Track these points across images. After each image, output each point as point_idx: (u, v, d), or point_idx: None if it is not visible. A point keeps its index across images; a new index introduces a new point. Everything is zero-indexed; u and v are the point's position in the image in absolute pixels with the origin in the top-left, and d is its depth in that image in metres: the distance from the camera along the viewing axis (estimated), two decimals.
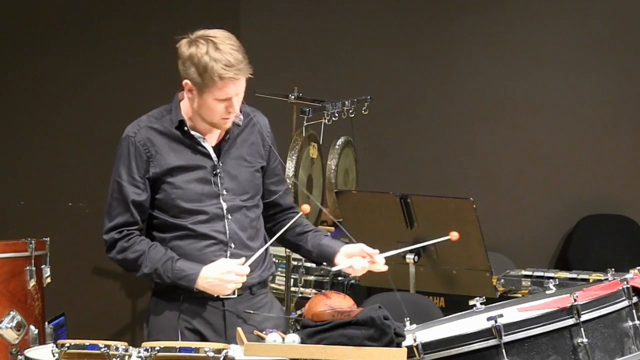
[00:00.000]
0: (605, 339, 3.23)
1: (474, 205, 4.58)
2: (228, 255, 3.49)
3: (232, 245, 3.50)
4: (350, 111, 5.60)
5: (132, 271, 3.53)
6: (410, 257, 4.70)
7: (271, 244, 3.57)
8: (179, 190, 3.49)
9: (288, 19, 6.45)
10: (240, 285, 3.44)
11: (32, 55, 6.15)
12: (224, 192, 3.51)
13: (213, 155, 3.52)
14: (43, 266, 4.34)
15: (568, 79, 6.38)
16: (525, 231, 6.42)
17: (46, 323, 4.39)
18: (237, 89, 3.41)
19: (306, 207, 3.54)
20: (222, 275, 3.41)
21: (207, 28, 6.72)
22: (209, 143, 3.53)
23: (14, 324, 4.16)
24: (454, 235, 3.56)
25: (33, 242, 4.28)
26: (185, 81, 3.48)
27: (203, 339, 3.46)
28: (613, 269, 3.64)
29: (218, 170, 3.51)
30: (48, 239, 4.39)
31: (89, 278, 6.17)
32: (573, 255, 6.32)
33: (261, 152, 3.61)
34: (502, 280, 4.92)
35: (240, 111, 3.53)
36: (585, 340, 3.16)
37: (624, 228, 6.37)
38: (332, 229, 5.70)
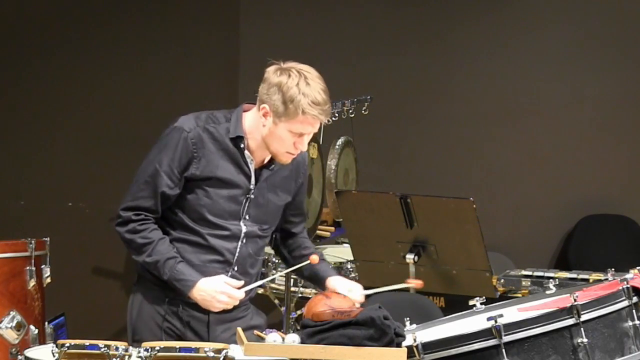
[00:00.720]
0: (605, 339, 3.23)
1: (474, 205, 4.58)
2: (228, 276, 3.49)
3: (235, 268, 3.51)
4: (350, 111, 5.60)
5: (134, 254, 3.51)
6: (410, 257, 4.70)
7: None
8: (209, 200, 3.47)
9: (288, 19, 6.45)
10: (230, 307, 3.45)
11: (32, 55, 6.16)
12: (247, 217, 3.51)
13: (253, 179, 3.51)
14: (43, 266, 4.34)
15: (568, 79, 6.38)
16: (525, 231, 6.42)
17: (46, 323, 4.39)
18: (314, 129, 3.41)
19: (315, 258, 3.51)
20: (216, 293, 3.41)
21: (207, 28, 6.75)
22: (253, 165, 3.52)
23: (14, 324, 4.16)
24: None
25: (33, 242, 4.28)
26: (264, 105, 3.42)
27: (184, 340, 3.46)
28: (613, 269, 3.64)
29: (250, 195, 3.51)
30: (48, 239, 4.39)
31: (89, 278, 6.18)
32: (573, 255, 6.32)
33: (291, 187, 3.62)
34: (502, 280, 4.92)
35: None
36: (585, 340, 3.16)
37: (624, 228, 6.37)
38: (332, 229, 5.70)
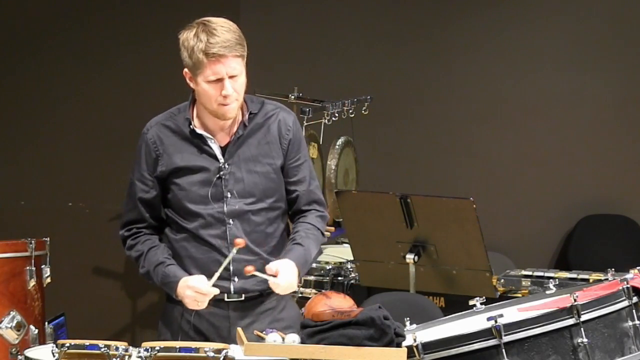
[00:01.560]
0: (605, 339, 3.23)
1: (474, 205, 4.58)
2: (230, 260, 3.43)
3: (235, 251, 3.40)
4: (350, 111, 5.60)
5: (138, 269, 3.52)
6: (410, 257, 4.70)
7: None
8: (183, 191, 3.45)
9: (288, 19, 6.45)
10: (203, 305, 3.34)
11: (32, 55, 6.16)
12: (228, 195, 3.44)
13: (219, 156, 3.45)
14: (43, 266, 4.34)
15: (568, 79, 6.38)
16: (525, 231, 6.42)
17: (46, 323, 4.39)
18: (226, 69, 3.32)
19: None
20: (184, 290, 3.36)
21: None
22: (219, 143, 3.46)
23: (14, 324, 4.16)
24: (248, 270, 3.43)
25: (33, 242, 4.27)
26: (185, 70, 3.43)
27: (207, 340, 3.43)
28: (613, 269, 3.64)
29: (222, 173, 3.44)
30: (48, 239, 4.39)
31: (89, 278, 6.18)
32: (573, 255, 6.32)
33: (277, 152, 3.49)
34: (502, 280, 4.92)
35: (249, 110, 3.46)
36: (585, 340, 3.16)
37: (624, 228, 6.37)
38: (332, 229, 5.70)
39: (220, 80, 3.34)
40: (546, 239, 6.44)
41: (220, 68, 3.33)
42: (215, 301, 3.40)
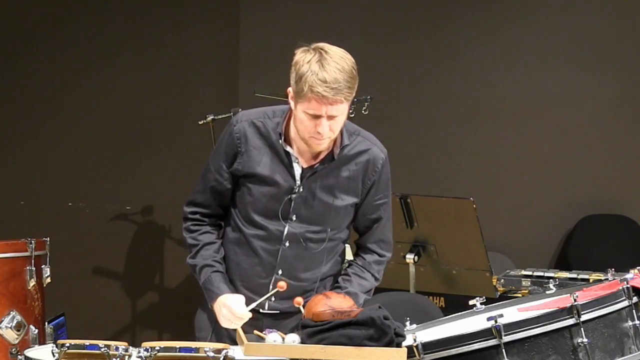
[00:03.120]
0: (605, 339, 3.23)
1: (474, 205, 4.58)
2: (272, 280, 3.39)
3: (280, 272, 3.38)
4: (350, 111, 5.59)
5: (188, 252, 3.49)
6: (410, 257, 4.70)
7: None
8: (252, 198, 3.39)
9: (288, 19, 6.45)
10: (236, 327, 3.27)
11: (32, 55, 6.15)
12: (293, 218, 3.38)
13: (298, 177, 3.38)
14: (43, 266, 4.33)
15: (568, 79, 6.38)
16: (525, 231, 6.42)
17: (46, 323, 4.38)
18: (327, 110, 3.22)
19: (282, 285, 3.32)
20: (220, 307, 3.34)
21: (207, 27, 6.73)
22: (302, 163, 3.38)
23: (14, 324, 4.16)
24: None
25: (33, 242, 4.27)
26: (289, 88, 3.32)
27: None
28: (613, 269, 3.64)
29: (294, 196, 3.38)
30: (48, 239, 4.39)
31: (89, 278, 6.17)
32: (573, 255, 6.32)
33: (356, 188, 3.42)
34: (502, 280, 4.92)
35: (342, 144, 3.38)
36: (585, 340, 3.16)
37: (624, 228, 6.37)
38: None
39: (318, 117, 3.25)
40: (546, 239, 6.44)
41: (321, 108, 3.23)
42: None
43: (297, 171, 3.39)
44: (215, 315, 3.41)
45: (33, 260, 4.26)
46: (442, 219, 4.66)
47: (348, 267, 3.54)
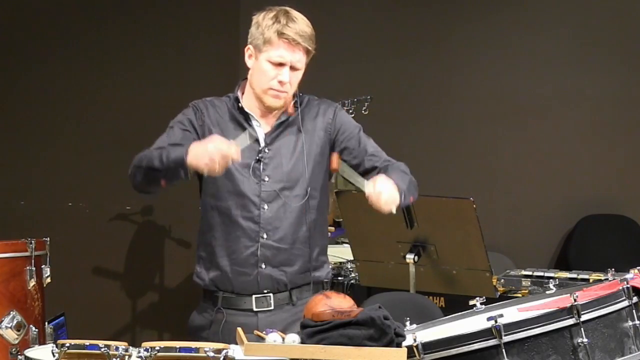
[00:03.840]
0: (605, 339, 3.23)
1: (474, 205, 4.58)
2: (259, 245, 3.42)
3: (264, 236, 3.41)
4: (350, 111, 5.60)
5: (144, 171, 3.37)
6: (410, 257, 4.70)
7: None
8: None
9: None
10: (220, 167, 3.17)
11: (32, 56, 6.16)
12: (265, 179, 3.43)
13: (262, 140, 3.44)
14: (43, 266, 4.33)
15: (568, 79, 6.39)
16: (525, 231, 6.42)
17: (46, 323, 4.38)
18: (292, 56, 3.37)
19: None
20: (203, 145, 3.22)
21: (207, 28, 6.72)
22: (263, 128, 3.46)
23: (14, 324, 4.15)
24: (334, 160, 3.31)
25: (33, 242, 4.27)
26: (248, 46, 3.44)
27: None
28: (613, 269, 3.64)
29: (261, 156, 3.43)
30: (48, 239, 4.39)
31: (89, 278, 6.18)
32: (573, 255, 6.33)
33: (323, 141, 3.49)
34: (502, 280, 4.92)
35: (298, 102, 3.47)
36: (585, 340, 3.16)
37: (624, 228, 6.38)
38: (332, 229, 5.70)
39: (281, 65, 3.37)
40: (546, 239, 6.44)
41: (288, 54, 3.37)
42: (243, 311, 3.41)
43: (260, 134, 3.45)
44: (209, 322, 3.44)
45: (33, 260, 4.25)
46: (442, 219, 4.66)
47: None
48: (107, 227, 6.15)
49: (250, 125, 3.45)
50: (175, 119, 3.52)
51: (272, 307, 3.47)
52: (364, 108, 5.70)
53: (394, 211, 3.21)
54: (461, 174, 6.41)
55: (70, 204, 6.20)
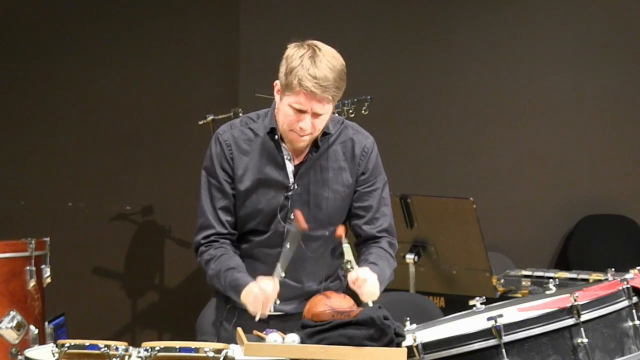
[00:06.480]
0: (605, 339, 3.23)
1: (474, 205, 4.59)
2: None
3: (283, 275, 3.29)
4: (350, 111, 5.59)
5: (207, 277, 3.36)
6: (410, 257, 4.71)
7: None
8: (248, 204, 3.34)
9: (288, 19, 6.45)
10: (264, 310, 3.18)
11: (31, 55, 6.16)
12: (292, 217, 3.32)
13: (291, 175, 3.35)
14: (43, 266, 4.34)
15: (568, 79, 6.38)
16: (525, 231, 6.42)
17: (46, 323, 4.39)
18: (312, 106, 3.23)
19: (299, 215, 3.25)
20: (252, 288, 3.20)
21: (207, 28, 6.73)
22: (294, 160, 3.36)
23: (14, 324, 4.16)
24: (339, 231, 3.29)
25: (33, 242, 4.27)
26: (276, 82, 3.33)
27: None
28: (613, 269, 3.64)
29: (290, 193, 3.34)
30: (48, 239, 4.39)
31: (89, 278, 6.17)
32: (573, 255, 6.32)
33: (348, 180, 3.39)
34: (502, 280, 4.92)
35: (325, 130, 3.35)
36: (585, 340, 3.16)
37: (624, 228, 6.37)
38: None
39: (303, 112, 3.25)
40: (546, 239, 6.44)
41: (307, 103, 3.24)
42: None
43: (290, 168, 3.37)
44: (219, 321, 3.41)
45: (33, 260, 4.26)
46: (442, 219, 4.66)
47: (368, 250, 3.43)
48: (107, 227, 6.15)
49: (282, 160, 3.36)
50: (209, 168, 3.38)
51: (284, 313, 3.41)
52: (364, 108, 5.70)
53: (371, 304, 3.15)
54: (461, 174, 6.41)
55: (70, 204, 6.20)
